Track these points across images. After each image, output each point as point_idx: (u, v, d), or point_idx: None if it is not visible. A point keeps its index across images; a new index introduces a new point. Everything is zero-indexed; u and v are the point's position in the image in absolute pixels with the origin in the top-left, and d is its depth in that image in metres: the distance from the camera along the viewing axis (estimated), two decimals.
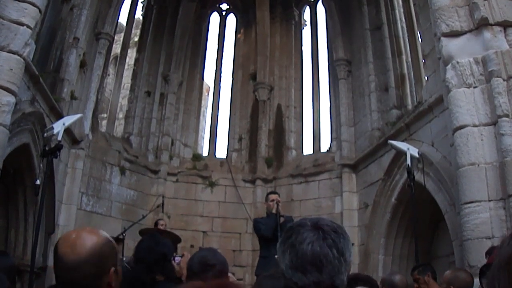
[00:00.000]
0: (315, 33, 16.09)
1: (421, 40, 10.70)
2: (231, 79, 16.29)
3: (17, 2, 6.71)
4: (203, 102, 17.98)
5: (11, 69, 6.46)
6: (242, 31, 16.72)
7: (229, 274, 3.66)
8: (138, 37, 16.30)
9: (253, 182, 14.30)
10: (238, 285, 1.14)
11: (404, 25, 12.48)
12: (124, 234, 8.74)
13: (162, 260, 4.00)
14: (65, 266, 2.02)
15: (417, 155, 7.57)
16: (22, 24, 6.66)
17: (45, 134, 7.31)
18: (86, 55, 11.77)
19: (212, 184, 14.23)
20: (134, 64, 15.33)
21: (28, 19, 6.75)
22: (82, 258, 2.00)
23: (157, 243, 4.23)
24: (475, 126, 6.37)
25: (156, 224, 10.15)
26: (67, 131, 9.79)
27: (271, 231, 7.83)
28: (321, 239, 1.85)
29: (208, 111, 18.79)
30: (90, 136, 11.96)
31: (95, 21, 12.28)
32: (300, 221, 1.97)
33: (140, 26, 16.18)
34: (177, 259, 4.52)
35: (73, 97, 11.05)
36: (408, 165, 7.30)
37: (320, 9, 16.01)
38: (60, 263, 2.04)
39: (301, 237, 1.86)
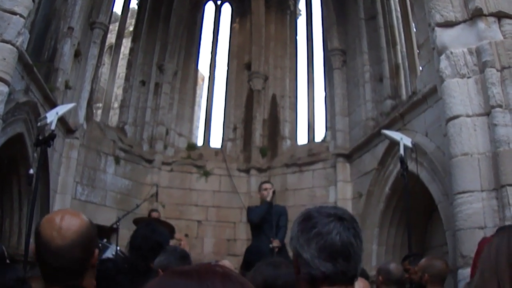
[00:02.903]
0: (310, 23, 16.06)
1: (416, 30, 10.71)
2: (226, 68, 16.28)
3: None
4: (198, 91, 17.97)
5: (4, 59, 6.44)
6: (237, 20, 16.68)
7: (225, 261, 3.68)
8: (133, 26, 16.23)
9: (247, 171, 14.32)
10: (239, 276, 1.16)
11: (399, 15, 12.45)
12: (118, 223, 8.75)
13: (157, 248, 4.03)
14: (53, 251, 1.98)
15: (410, 145, 7.59)
16: (15, 14, 6.62)
17: (39, 124, 7.30)
18: (81, 45, 11.72)
19: (206, 174, 14.25)
20: (129, 54, 15.29)
21: (21, 8, 6.71)
22: (71, 243, 1.97)
23: (153, 231, 4.27)
24: (468, 116, 6.38)
25: (149, 215, 10.17)
26: (62, 120, 9.80)
27: (259, 217, 7.96)
28: (346, 229, 1.91)
29: (203, 101, 18.79)
30: (85, 126, 11.93)
31: (90, 10, 12.23)
32: (320, 209, 1.99)
33: (135, 16, 16.10)
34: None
35: (67, 86, 11.02)
36: (401, 154, 7.32)
37: None
38: (46, 248, 2.00)
39: (328, 227, 1.89)
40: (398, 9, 12.51)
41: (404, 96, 11.46)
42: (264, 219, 7.90)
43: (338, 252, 1.86)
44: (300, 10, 16.65)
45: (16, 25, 6.63)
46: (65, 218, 2.05)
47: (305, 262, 1.89)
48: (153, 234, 4.20)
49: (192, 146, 14.91)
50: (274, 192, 8.46)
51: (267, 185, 8.58)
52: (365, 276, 4.42)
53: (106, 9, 12.91)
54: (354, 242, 1.91)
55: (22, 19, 6.72)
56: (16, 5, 6.65)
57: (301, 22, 16.50)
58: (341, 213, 1.97)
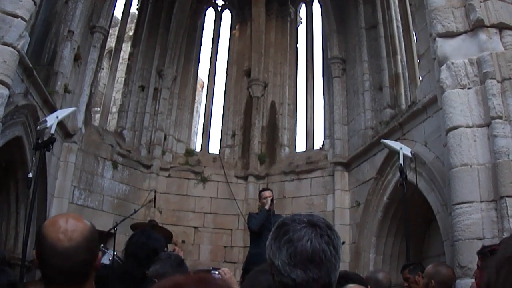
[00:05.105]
0: (310, 30, 16.09)
1: (416, 40, 10.71)
2: (225, 75, 16.28)
3: None
4: (197, 97, 17.96)
5: (5, 62, 6.43)
6: (237, 27, 16.69)
7: (225, 269, 3.63)
8: (133, 31, 16.23)
9: (245, 178, 14.29)
10: (218, 280, 1.23)
11: (400, 25, 12.47)
12: (115, 229, 8.70)
13: (153, 255, 3.99)
14: (60, 253, 1.96)
15: (409, 155, 7.59)
16: (16, 16, 6.62)
17: (38, 127, 7.29)
18: (81, 49, 11.71)
19: (204, 180, 14.21)
20: (129, 59, 15.27)
21: (23, 11, 6.71)
22: (77, 244, 1.97)
23: (149, 238, 4.23)
24: (468, 127, 6.39)
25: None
26: (60, 124, 9.76)
27: (259, 226, 7.94)
28: (319, 236, 1.85)
29: (202, 107, 18.77)
30: (83, 130, 11.91)
31: (90, 14, 12.24)
32: (293, 217, 1.95)
33: (135, 21, 16.10)
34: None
35: (66, 90, 11.00)
36: (401, 164, 7.32)
37: (316, 7, 16.04)
38: (52, 251, 1.97)
39: (299, 233, 1.85)
40: (399, 18, 12.53)
41: (403, 105, 11.46)
42: (264, 226, 7.88)
43: (309, 259, 1.81)
44: (300, 18, 16.67)
45: (18, 28, 6.63)
46: (70, 221, 2.06)
47: (277, 269, 1.86)
48: (148, 240, 4.16)
49: (190, 152, 14.87)
50: (272, 200, 8.42)
51: (266, 193, 8.54)
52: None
53: (106, 13, 12.92)
54: (327, 249, 1.84)
55: (23, 22, 6.71)
56: (18, 8, 6.65)
57: (302, 29, 16.55)
58: (316, 220, 1.92)
